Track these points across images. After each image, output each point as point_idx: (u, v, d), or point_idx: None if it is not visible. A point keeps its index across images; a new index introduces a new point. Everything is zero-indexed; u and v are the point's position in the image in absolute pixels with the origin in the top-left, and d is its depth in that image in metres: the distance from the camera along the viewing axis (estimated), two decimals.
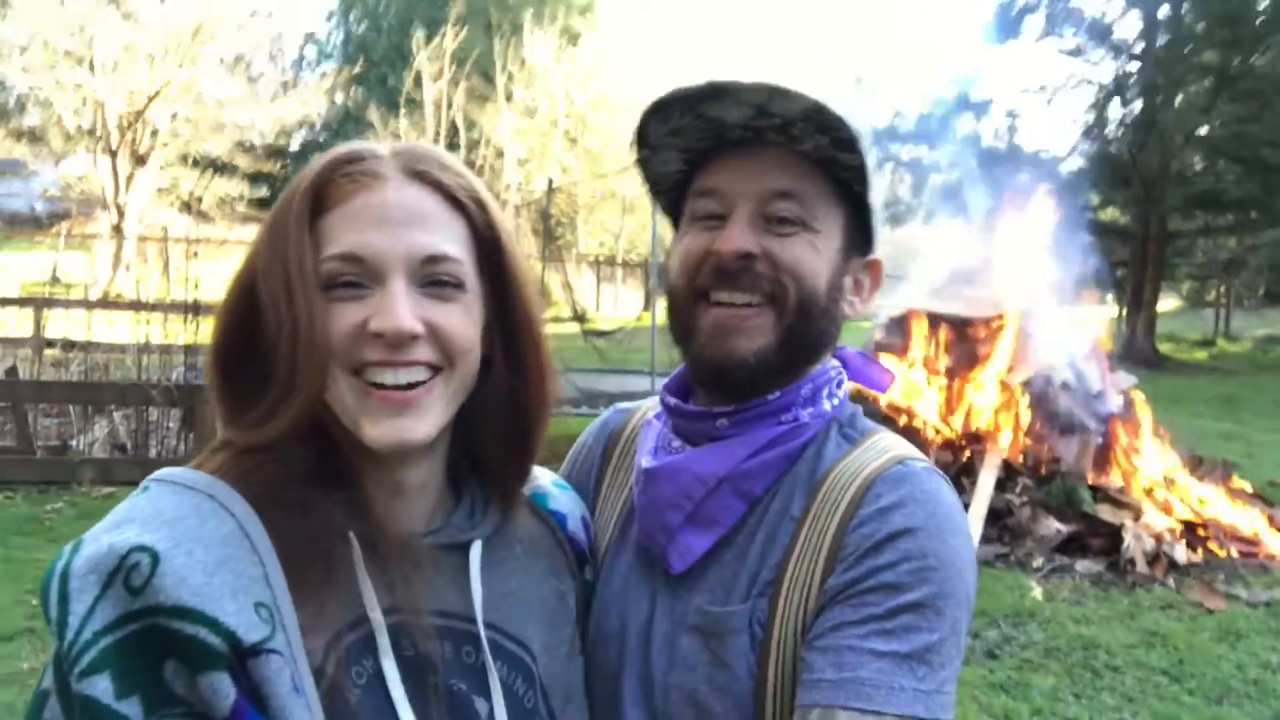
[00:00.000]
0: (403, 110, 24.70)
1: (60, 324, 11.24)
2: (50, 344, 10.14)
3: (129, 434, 7.54)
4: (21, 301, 12.85)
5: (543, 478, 1.13)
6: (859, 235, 1.10)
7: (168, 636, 0.75)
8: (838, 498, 0.99)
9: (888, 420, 6.77)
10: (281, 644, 0.79)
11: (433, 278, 0.89)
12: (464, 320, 0.91)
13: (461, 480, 1.03)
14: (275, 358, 0.87)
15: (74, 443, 7.60)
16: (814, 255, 1.04)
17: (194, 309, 8.09)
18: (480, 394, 0.96)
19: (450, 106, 25.07)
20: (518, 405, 0.99)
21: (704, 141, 1.07)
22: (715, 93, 1.00)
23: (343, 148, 0.93)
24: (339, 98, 27.55)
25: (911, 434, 6.64)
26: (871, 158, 1.04)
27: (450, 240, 0.91)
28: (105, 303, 12.84)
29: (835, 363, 1.13)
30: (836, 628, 0.93)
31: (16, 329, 11.38)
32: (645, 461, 1.10)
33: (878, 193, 1.09)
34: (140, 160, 19.98)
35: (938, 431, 6.60)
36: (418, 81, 24.72)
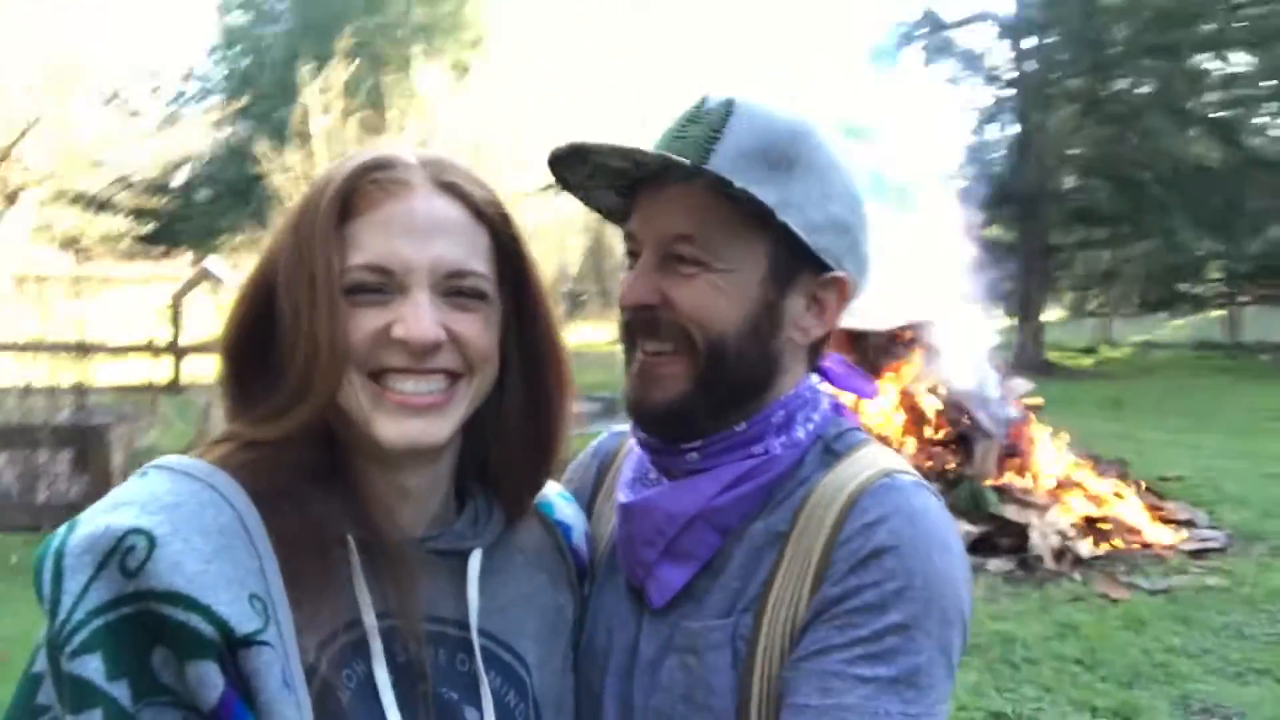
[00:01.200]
0: (291, 143, 24.16)
1: None
2: None
3: (15, 478, 7.13)
4: None
5: (550, 488, 1.12)
6: (796, 256, 1.02)
7: (159, 622, 0.74)
8: (823, 514, 0.97)
9: None
10: (274, 637, 0.78)
11: (455, 289, 0.90)
12: (483, 329, 0.92)
13: (467, 487, 1.02)
14: (290, 360, 0.86)
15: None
16: (716, 297, 0.99)
17: (81, 348, 7.74)
18: (495, 406, 0.97)
19: (342, 139, 24.63)
20: (536, 419, 0.99)
21: (619, 181, 1.06)
22: (578, 153, 1.00)
23: (371, 153, 0.93)
24: (224, 131, 26.79)
25: None
26: (806, 168, 1.01)
27: (474, 253, 0.92)
28: None
29: (813, 378, 1.10)
30: (822, 651, 0.91)
31: None
32: (622, 496, 1.09)
33: (814, 208, 1.00)
34: (11, 198, 19.00)
35: None
36: (305, 116, 24.23)
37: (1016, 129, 20.08)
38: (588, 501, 1.22)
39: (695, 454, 1.04)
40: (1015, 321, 19.65)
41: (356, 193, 0.90)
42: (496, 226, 0.95)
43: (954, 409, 6.81)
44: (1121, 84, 19.58)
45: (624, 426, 1.24)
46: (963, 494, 6.24)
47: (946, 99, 20.35)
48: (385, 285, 0.88)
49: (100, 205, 20.85)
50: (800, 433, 1.05)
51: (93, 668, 0.72)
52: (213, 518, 0.80)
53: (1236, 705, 4.01)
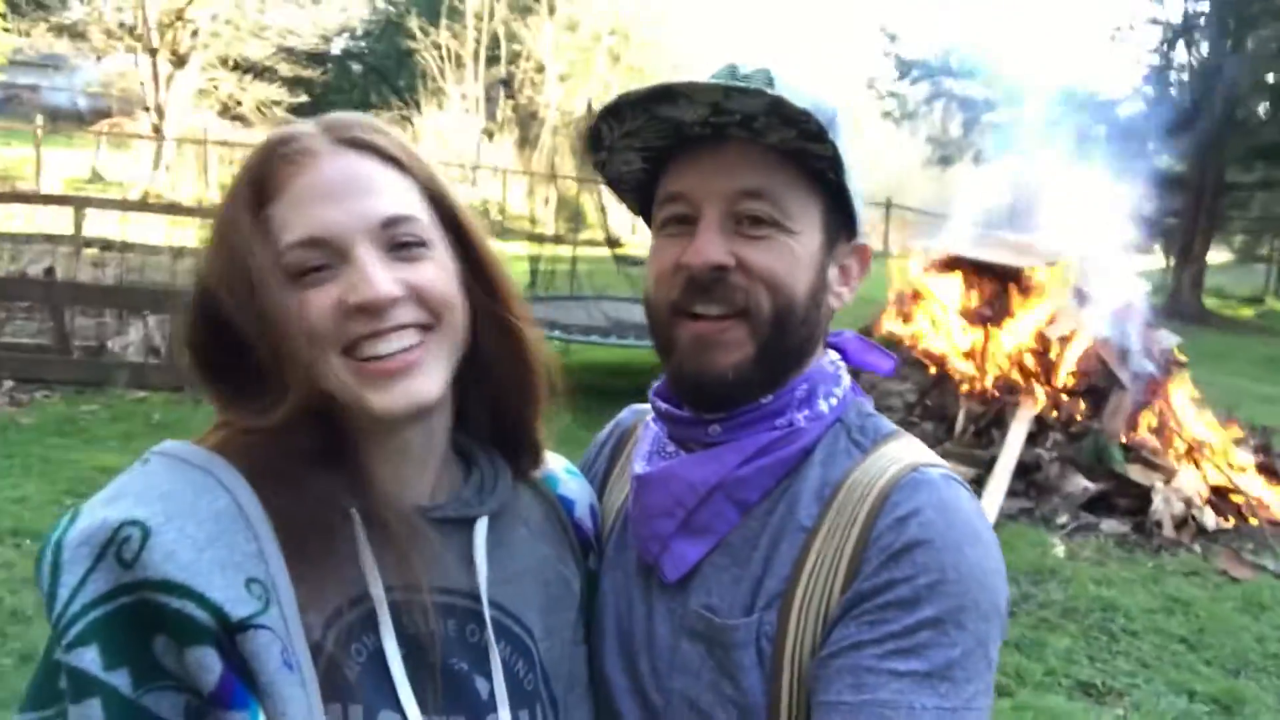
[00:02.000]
0: (444, 20, 24.28)
1: (99, 223, 11.31)
2: (88, 244, 10.22)
3: (163, 339, 7.64)
4: (61, 199, 12.91)
5: (554, 463, 1.13)
6: (841, 223, 1.05)
7: (157, 610, 0.75)
8: (855, 510, 0.95)
9: (921, 367, 6.69)
10: (274, 619, 0.79)
11: (397, 240, 0.89)
12: (439, 274, 0.91)
13: (472, 456, 1.02)
14: (256, 356, 0.85)
15: (110, 344, 7.71)
16: (791, 260, 0.99)
17: None
18: (476, 347, 0.96)
19: (492, 18, 24.60)
20: (509, 356, 0.98)
21: (661, 140, 1.02)
22: (667, 94, 0.96)
23: (271, 134, 0.92)
24: (380, 4, 27.10)
25: (944, 383, 6.56)
26: (844, 140, 0.98)
27: (401, 201, 0.90)
28: (142, 204, 12.88)
29: (833, 355, 1.09)
30: (855, 646, 0.90)
31: (56, 226, 11.48)
32: (639, 467, 1.08)
33: (856, 176, 1.02)
34: (180, 61, 19.84)
35: (971, 381, 6.50)
36: None
37: (1207, 48, 18.35)
38: (601, 477, 1.22)
39: (718, 426, 1.03)
40: (1173, 263, 18.39)
41: (267, 177, 0.88)
42: (414, 171, 0.93)
43: (1089, 357, 6.47)
44: None
45: (643, 405, 1.23)
46: (1086, 448, 5.99)
47: (1133, 11, 18.73)
48: (327, 258, 0.86)
49: (259, 72, 21.57)
50: (823, 406, 1.04)
51: (89, 659, 0.74)
52: (208, 504, 0.81)
53: None
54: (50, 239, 10.51)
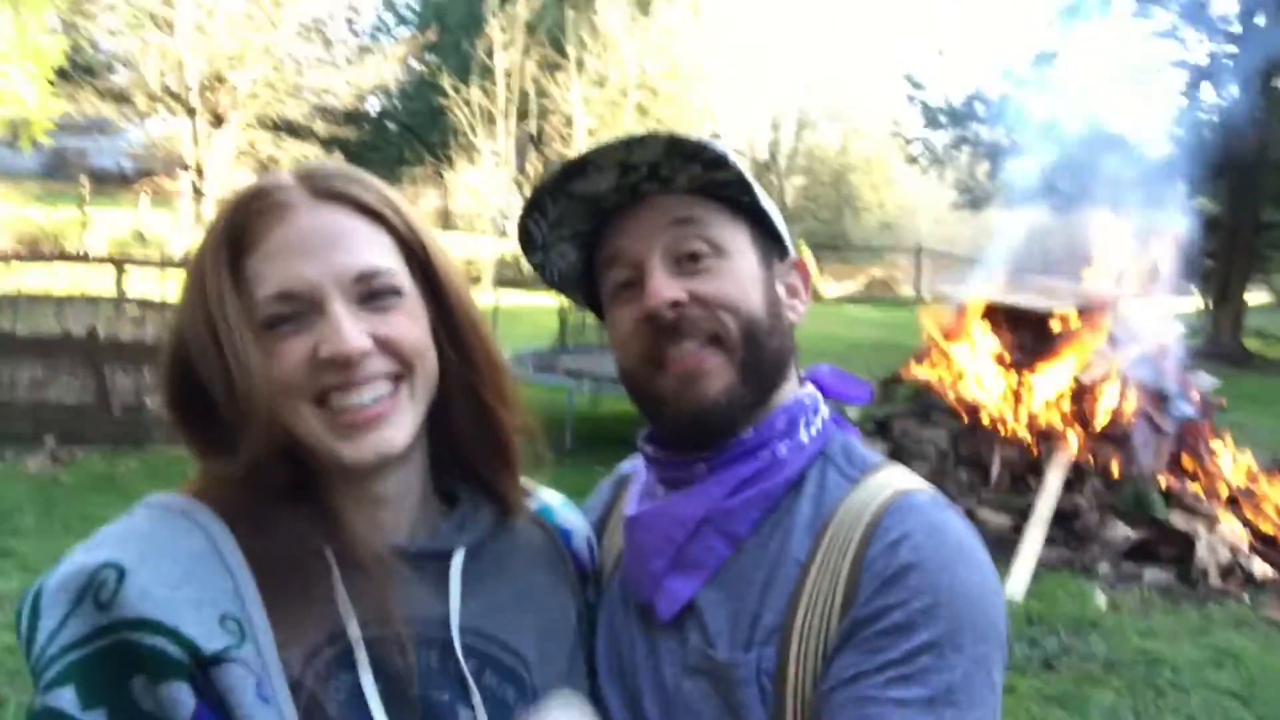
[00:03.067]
0: (475, 78, 24.79)
1: (140, 282, 11.56)
2: (129, 302, 10.43)
3: None
4: (102, 259, 13.22)
5: (550, 496, 1.16)
6: (770, 243, 1.11)
7: (135, 650, 0.77)
8: (846, 538, 0.97)
9: (954, 415, 6.62)
10: (249, 654, 0.81)
11: (369, 292, 0.90)
12: (410, 325, 0.93)
13: (455, 491, 1.04)
14: (227, 407, 0.88)
15: (149, 402, 7.83)
16: (736, 281, 1.04)
17: None
18: (444, 394, 0.98)
19: (522, 75, 25.08)
20: (478, 397, 1.00)
21: (587, 224, 1.08)
22: (577, 168, 1.01)
23: (248, 185, 0.94)
24: (413, 64, 27.73)
25: (978, 430, 6.48)
26: (744, 165, 1.04)
27: (375, 253, 0.92)
28: (182, 263, 13.15)
29: (809, 388, 1.12)
30: (856, 677, 0.90)
31: (98, 286, 11.74)
32: (630, 510, 1.10)
33: (762, 195, 1.08)
34: (219, 121, 20.39)
35: (1005, 428, 6.42)
36: (490, 50, 24.76)
37: (1236, 89, 18.25)
38: (599, 523, 1.24)
39: (703, 465, 1.05)
40: (1211, 304, 18.14)
41: (243, 229, 0.90)
42: (390, 221, 0.95)
43: (1126, 402, 6.36)
44: None
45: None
46: (1125, 495, 5.87)
47: (1159, 54, 18.73)
48: (299, 311, 0.88)
49: (295, 131, 22.09)
50: (804, 436, 1.06)
51: (67, 699, 0.75)
52: (184, 545, 0.83)
53: None
54: (91, 299, 10.75)
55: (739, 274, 1.04)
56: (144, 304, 9.06)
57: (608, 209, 1.06)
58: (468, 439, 1.02)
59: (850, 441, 1.10)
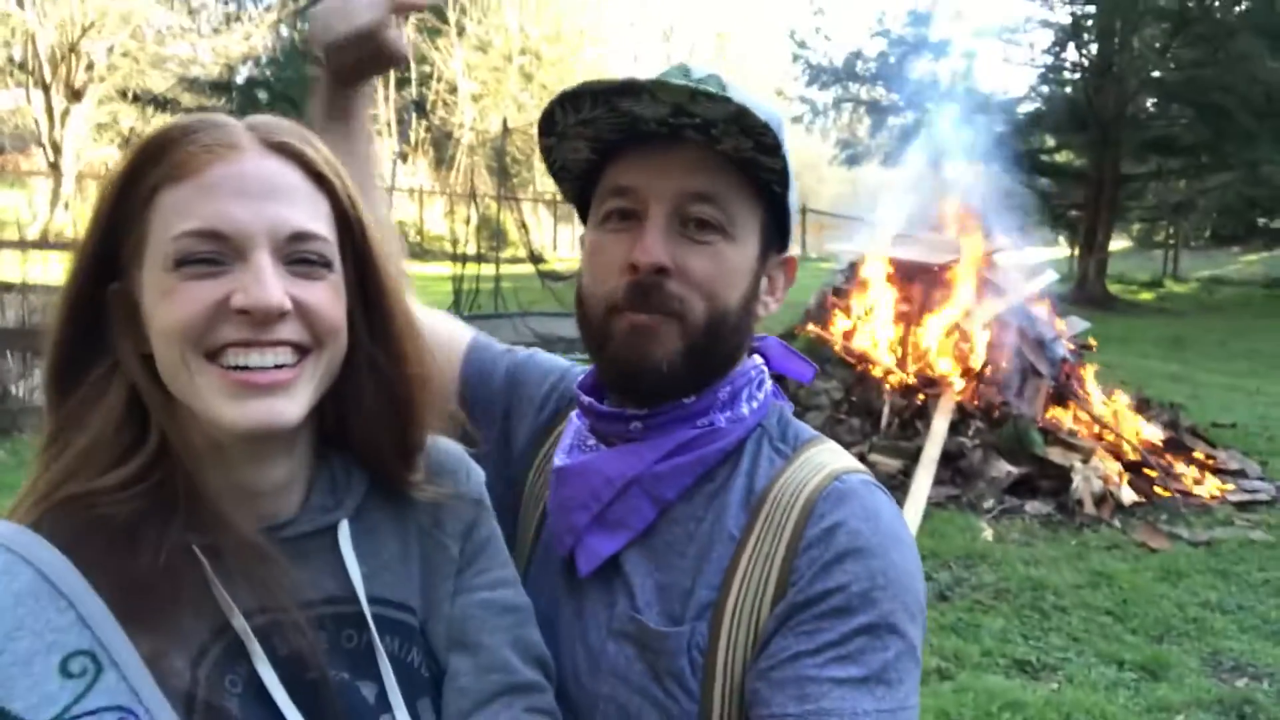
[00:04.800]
0: None
1: None
2: None
3: None
4: None
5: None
6: (775, 234, 1.07)
7: None
8: (782, 520, 0.97)
9: (846, 366, 6.82)
10: (111, 682, 0.74)
11: (299, 255, 0.84)
12: (333, 299, 0.86)
13: (324, 458, 0.96)
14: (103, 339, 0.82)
15: (13, 389, 7.39)
16: (729, 268, 1.01)
17: None
18: (347, 384, 0.90)
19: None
20: (394, 395, 0.93)
21: (615, 134, 1.01)
22: (632, 89, 0.94)
23: (193, 115, 0.85)
24: (285, 31, 26.64)
25: (868, 379, 6.69)
26: (788, 153, 1.00)
27: (316, 217, 0.85)
28: (43, 243, 12.40)
29: (756, 360, 1.10)
30: (794, 657, 0.91)
31: None
32: (559, 460, 1.08)
33: (795, 192, 1.05)
34: (75, 95, 19.21)
35: (893, 375, 6.64)
36: None
37: (1096, 49, 19.14)
38: (534, 445, 1.19)
39: (639, 423, 1.03)
40: (1078, 252, 19.09)
41: (178, 158, 0.82)
42: (335, 190, 0.88)
43: (1005, 346, 6.67)
44: (1216, 3, 18.47)
45: (580, 370, 1.22)
46: (1007, 434, 6.16)
47: (1025, 14, 19.44)
48: (220, 253, 0.80)
49: (161, 104, 21.00)
50: (745, 409, 1.05)
51: None
52: (6, 587, 0.74)
53: (1268, 664, 3.96)
54: None
55: (733, 262, 1.01)
56: (2, 286, 8.50)
57: (642, 132, 0.99)
58: (369, 440, 0.95)
59: (785, 414, 1.09)
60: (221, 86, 22.42)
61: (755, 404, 1.06)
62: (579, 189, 1.11)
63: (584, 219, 1.11)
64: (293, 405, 0.83)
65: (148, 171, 0.82)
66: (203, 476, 0.85)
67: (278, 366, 0.82)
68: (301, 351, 0.84)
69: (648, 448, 1.02)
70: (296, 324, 0.83)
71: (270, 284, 0.80)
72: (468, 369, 1.25)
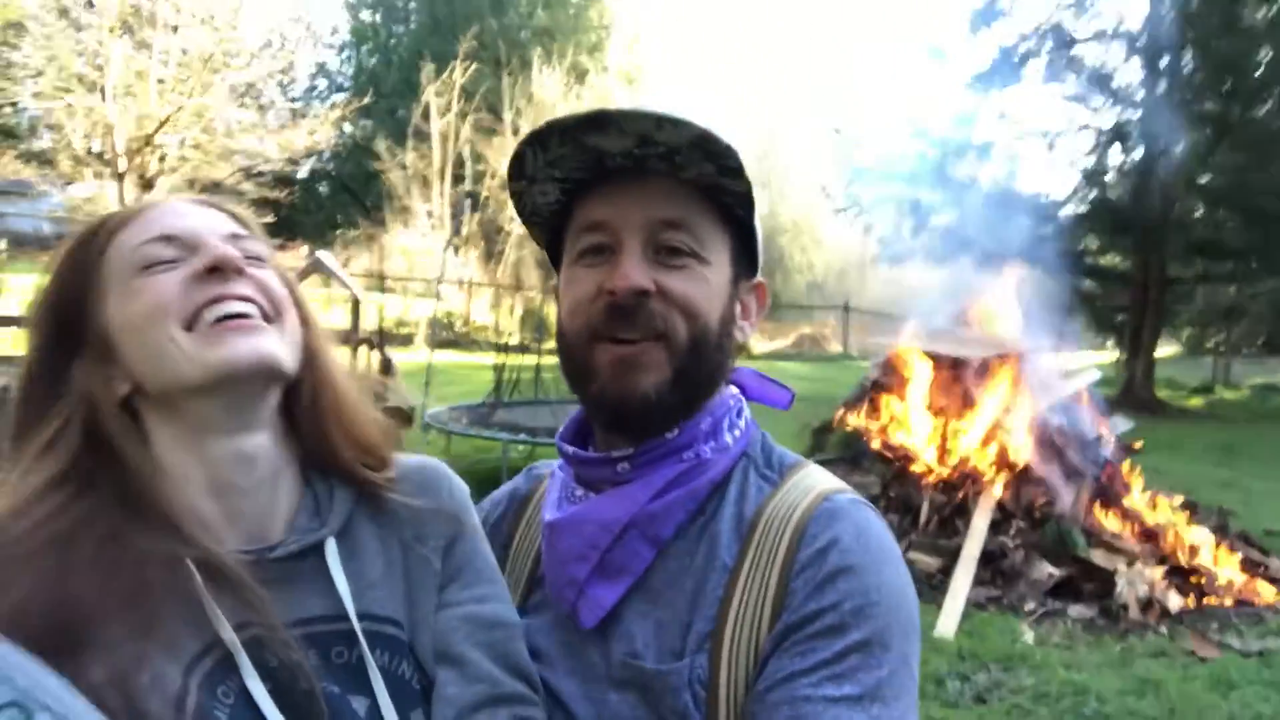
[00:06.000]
0: (410, 141, 24.90)
1: None
2: None
3: None
4: (18, 320, 12.87)
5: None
6: (744, 260, 1.11)
7: None
8: (774, 544, 0.98)
9: (885, 462, 6.77)
10: None
11: (239, 249, 0.96)
12: (274, 280, 0.98)
13: (309, 479, 1.01)
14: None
15: None
16: (706, 289, 1.04)
17: None
18: (298, 404, 0.99)
19: (457, 139, 25.28)
20: (326, 404, 1.01)
21: (582, 172, 1.05)
22: (598, 122, 0.98)
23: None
24: (347, 128, 27.77)
25: (906, 475, 6.64)
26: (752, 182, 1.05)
27: (242, 227, 1.00)
28: None
29: (733, 389, 1.13)
30: (789, 677, 0.91)
31: (14, 348, 11.40)
32: (549, 514, 1.09)
33: (758, 218, 1.09)
34: (148, 185, 20.11)
35: (932, 472, 6.59)
36: (425, 114, 24.94)
37: (1140, 153, 19.24)
38: (502, 541, 1.20)
39: (626, 464, 1.04)
40: (1125, 356, 18.83)
41: (116, 220, 0.96)
42: (255, 232, 1.02)
43: (1047, 445, 6.59)
44: (1260, 111, 18.56)
45: (540, 463, 1.26)
46: (1048, 534, 6.05)
47: (1068, 118, 19.66)
48: (177, 257, 0.93)
49: (226, 194, 21.87)
50: (728, 439, 1.07)
51: None
52: None
53: None
54: (7, 360, 10.44)
55: (709, 283, 1.04)
56: None
57: (608, 168, 1.03)
58: (328, 448, 1.00)
59: (769, 441, 1.12)
60: (283, 179, 23.31)
61: (737, 433, 1.08)
62: (549, 234, 1.14)
63: (555, 264, 1.14)
64: (276, 345, 0.93)
65: (96, 236, 0.95)
66: (191, 499, 0.91)
67: (249, 314, 0.92)
68: (265, 318, 0.94)
69: (638, 488, 1.03)
70: (253, 288, 0.94)
71: (223, 245, 0.94)
72: None
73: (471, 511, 1.09)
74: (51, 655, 0.78)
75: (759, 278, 1.15)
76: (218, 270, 0.92)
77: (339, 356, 1.04)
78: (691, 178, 1.02)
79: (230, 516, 0.93)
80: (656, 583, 1.02)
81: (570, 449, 1.10)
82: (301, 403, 0.99)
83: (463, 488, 1.10)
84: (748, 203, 1.05)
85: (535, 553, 1.14)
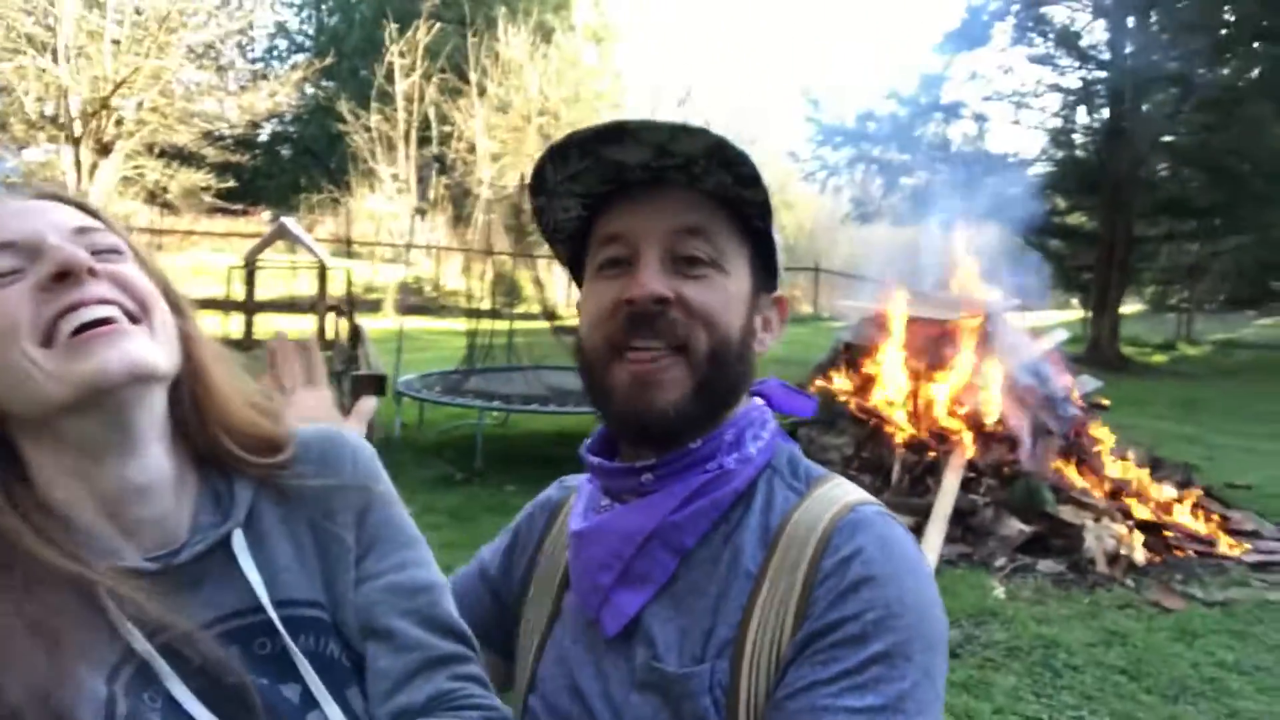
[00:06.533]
0: (374, 103, 24.50)
1: None
2: None
3: None
4: None
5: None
6: (764, 272, 1.10)
7: None
8: (798, 553, 0.98)
9: (857, 422, 6.83)
10: None
11: (90, 246, 0.87)
12: (139, 275, 0.90)
13: (205, 477, 0.97)
14: None
15: None
16: (726, 299, 1.03)
17: None
18: (182, 404, 0.94)
19: (422, 100, 24.91)
20: (205, 398, 0.96)
21: (603, 186, 1.05)
22: (616, 134, 0.98)
23: None
24: (309, 89, 27.27)
25: (879, 435, 6.70)
26: (770, 193, 1.04)
27: (91, 220, 0.91)
28: None
29: (757, 401, 1.12)
30: (809, 687, 0.91)
31: None
32: (575, 524, 1.09)
33: (777, 227, 1.08)
34: (104, 150, 19.66)
35: (904, 432, 6.65)
36: (389, 75, 24.54)
37: (1107, 113, 19.36)
38: (534, 549, 1.21)
39: (650, 475, 1.04)
40: (1091, 314, 19.07)
41: None
42: (105, 219, 0.93)
43: (1015, 404, 6.68)
44: (1225, 70, 18.69)
45: (572, 477, 1.25)
46: (1018, 491, 6.14)
47: (1036, 78, 19.72)
48: (19, 261, 0.84)
49: (186, 159, 21.44)
50: (752, 449, 1.06)
51: None
52: None
53: None
54: None
55: (729, 293, 1.03)
56: None
57: (628, 180, 1.04)
58: (202, 427, 0.95)
59: (795, 454, 1.10)
60: (245, 142, 22.88)
61: (761, 443, 1.07)
62: (571, 250, 1.14)
63: (578, 281, 1.14)
64: (146, 345, 0.85)
65: None
66: (86, 522, 0.86)
67: (109, 320, 0.83)
68: (130, 319, 0.86)
69: (662, 498, 1.03)
70: (110, 286, 0.86)
71: (68, 246, 0.84)
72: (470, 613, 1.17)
73: (380, 478, 1.04)
74: None
75: (779, 291, 1.14)
76: (67, 274, 0.83)
77: (214, 343, 0.98)
78: (710, 188, 1.02)
79: (128, 530, 0.89)
80: (680, 589, 1.02)
81: (595, 460, 1.10)
82: (184, 402, 0.94)
83: (369, 455, 1.04)
84: (766, 212, 1.04)
85: (565, 559, 1.14)
